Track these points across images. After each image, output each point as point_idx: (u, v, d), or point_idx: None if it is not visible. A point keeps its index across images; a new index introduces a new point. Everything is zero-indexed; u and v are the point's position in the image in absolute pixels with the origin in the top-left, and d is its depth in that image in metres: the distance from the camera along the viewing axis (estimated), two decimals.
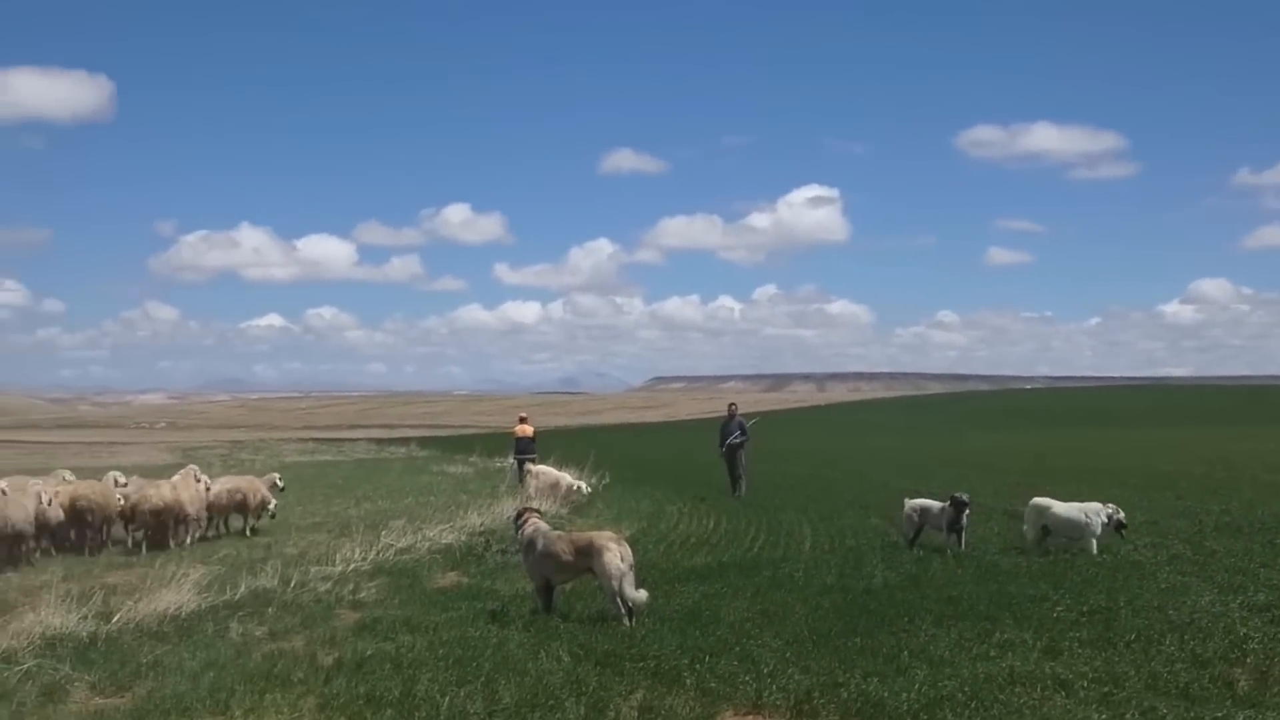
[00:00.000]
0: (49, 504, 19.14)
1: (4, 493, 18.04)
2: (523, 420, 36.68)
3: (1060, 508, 17.71)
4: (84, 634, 11.84)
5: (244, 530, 23.36)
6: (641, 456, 56.35)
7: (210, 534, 22.96)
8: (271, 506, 23.82)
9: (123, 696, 10.07)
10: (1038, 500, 18.32)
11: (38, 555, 18.84)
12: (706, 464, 36.60)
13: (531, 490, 27.63)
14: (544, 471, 29.41)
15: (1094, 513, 17.26)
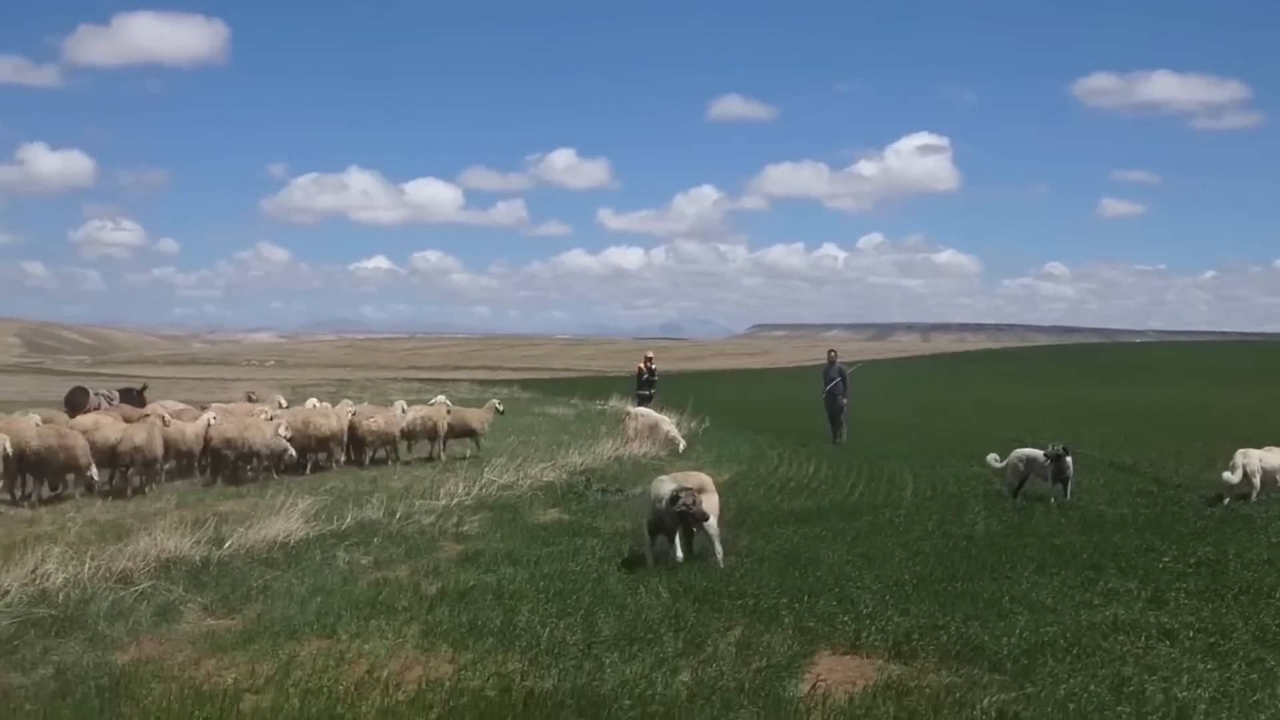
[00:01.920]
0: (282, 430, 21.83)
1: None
2: (648, 359, 36.79)
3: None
4: (197, 558, 12.18)
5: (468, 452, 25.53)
6: (742, 402, 56.22)
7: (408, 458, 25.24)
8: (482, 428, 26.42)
9: (233, 618, 10.36)
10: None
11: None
12: (808, 411, 36.42)
13: (631, 432, 27.64)
14: (644, 413, 29.42)
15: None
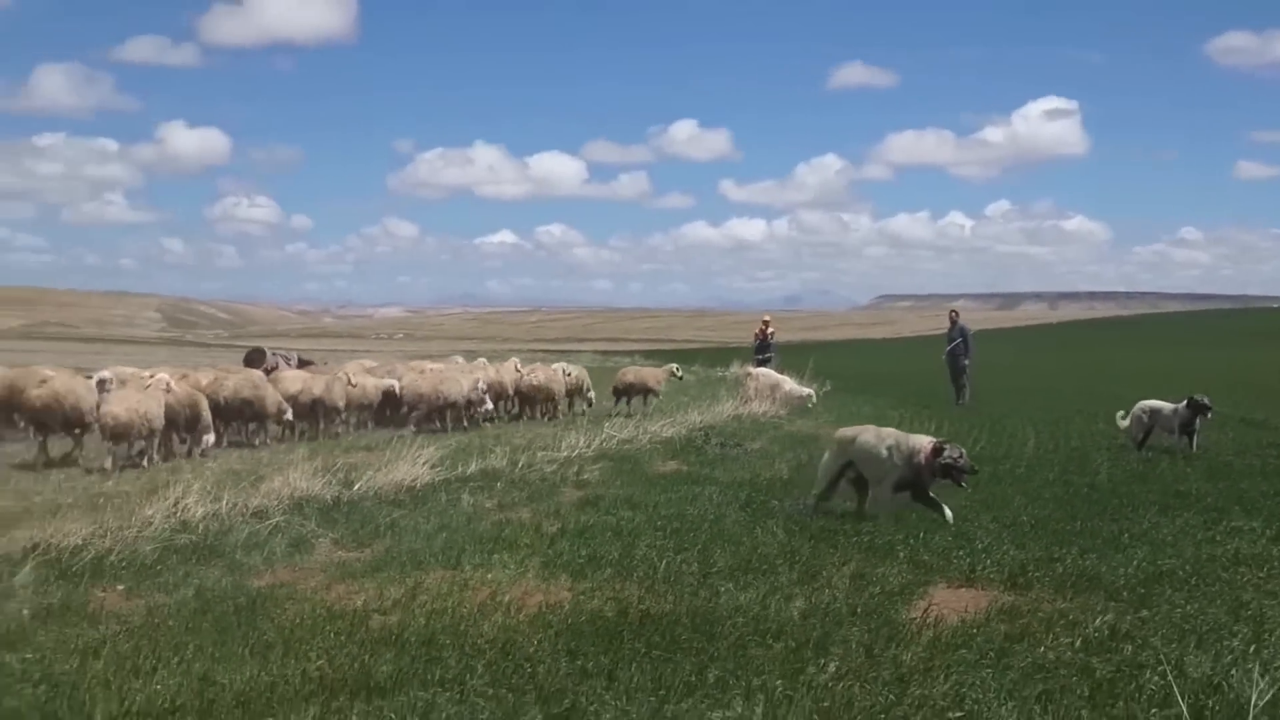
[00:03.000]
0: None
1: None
2: (765, 323, 36.80)
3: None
4: (328, 497, 12.64)
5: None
6: (864, 368, 55.87)
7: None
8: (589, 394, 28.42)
9: (362, 551, 10.74)
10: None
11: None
12: (932, 376, 36.12)
13: (751, 391, 27.75)
14: (764, 373, 29.50)
15: None
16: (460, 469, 15.01)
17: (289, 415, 20.89)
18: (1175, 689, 5.83)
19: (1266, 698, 5.78)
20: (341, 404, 22.11)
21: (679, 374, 30.16)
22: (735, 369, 43.05)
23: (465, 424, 23.71)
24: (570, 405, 27.88)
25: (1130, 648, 7.15)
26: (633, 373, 28.98)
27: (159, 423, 17.06)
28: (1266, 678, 6.06)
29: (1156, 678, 6.33)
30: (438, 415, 23.51)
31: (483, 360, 30.31)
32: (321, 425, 21.85)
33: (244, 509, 11.70)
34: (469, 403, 23.73)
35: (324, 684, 6.63)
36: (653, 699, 6.31)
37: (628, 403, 27.89)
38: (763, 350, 35.17)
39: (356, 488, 13.17)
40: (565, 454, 16.94)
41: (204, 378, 20.95)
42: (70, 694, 6.46)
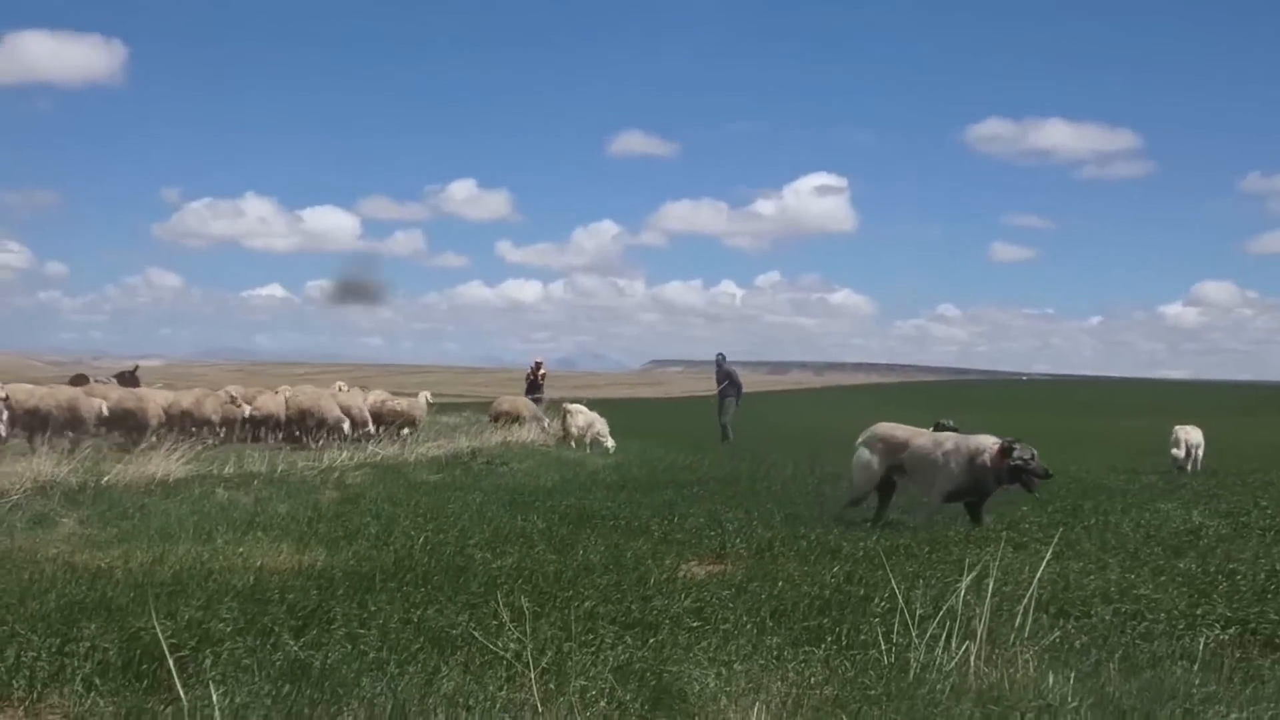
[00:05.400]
0: None
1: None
2: (538, 364, 36.92)
3: None
4: (74, 481, 12.20)
5: None
6: (636, 422, 56.58)
7: None
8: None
9: (108, 529, 10.42)
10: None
11: None
12: (699, 427, 36.97)
13: (572, 427, 27.48)
14: (584, 410, 29.30)
15: None
16: (215, 468, 14.69)
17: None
18: (901, 597, 6.19)
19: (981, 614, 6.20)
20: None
21: (431, 400, 30.26)
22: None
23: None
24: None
25: (863, 590, 7.56)
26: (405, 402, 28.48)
27: None
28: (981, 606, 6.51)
29: (884, 602, 6.72)
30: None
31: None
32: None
33: None
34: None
35: (63, 611, 6.46)
36: (401, 610, 6.38)
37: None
38: (534, 390, 35.35)
39: (105, 479, 12.76)
40: (327, 463, 16.74)
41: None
42: None
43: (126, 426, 21.14)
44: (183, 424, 22.34)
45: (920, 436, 12.07)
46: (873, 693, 5.22)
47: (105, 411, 20.73)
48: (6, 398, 20.04)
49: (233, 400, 23.78)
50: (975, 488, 11.35)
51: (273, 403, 24.99)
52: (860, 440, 12.49)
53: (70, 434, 19.74)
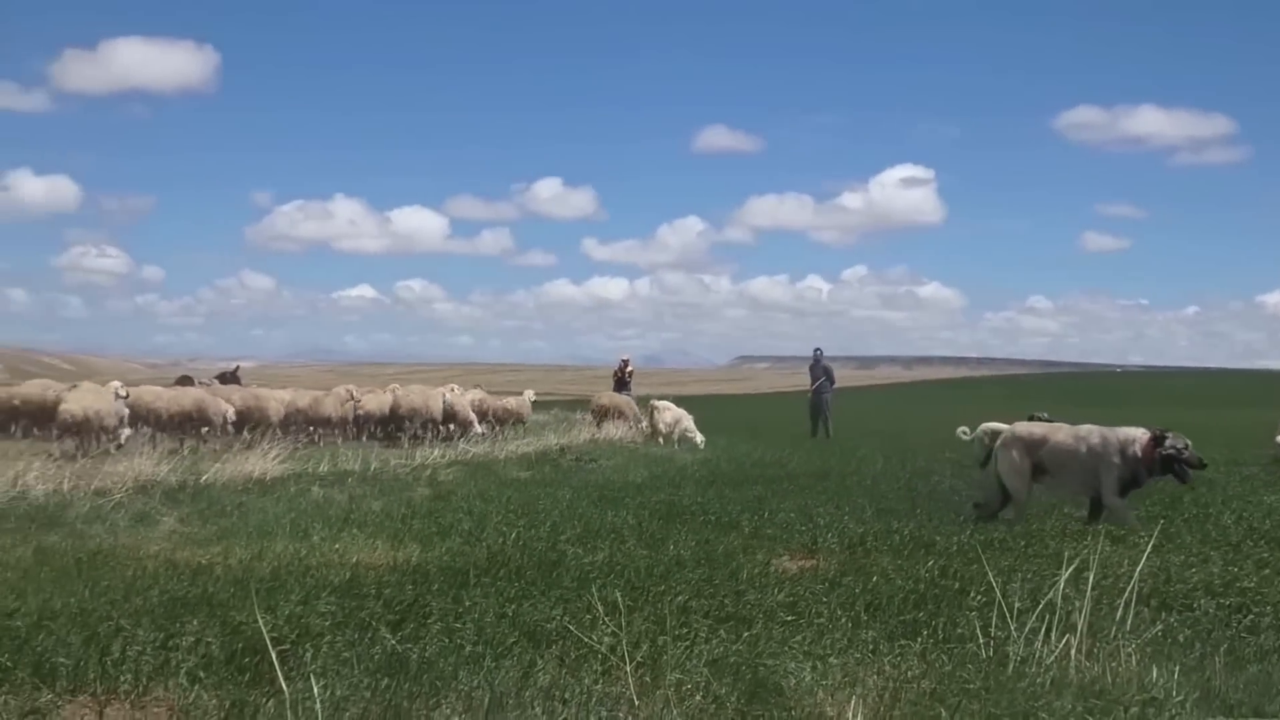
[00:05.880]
0: None
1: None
2: (624, 362, 37.03)
3: None
4: (173, 480, 12.48)
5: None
6: (724, 418, 56.55)
7: None
8: None
9: (207, 526, 10.63)
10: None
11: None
12: (790, 423, 36.87)
13: (659, 424, 27.52)
14: (671, 406, 29.36)
15: None
16: (310, 467, 14.91)
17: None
18: (999, 591, 6.12)
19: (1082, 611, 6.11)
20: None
21: (534, 398, 30.71)
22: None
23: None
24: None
25: (958, 583, 7.48)
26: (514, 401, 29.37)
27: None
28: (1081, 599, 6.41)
29: (980, 596, 6.65)
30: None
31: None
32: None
33: (86, 488, 11.50)
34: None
35: (166, 606, 6.60)
36: (496, 605, 6.42)
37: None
38: (621, 387, 35.41)
39: (204, 478, 13.02)
40: (419, 460, 16.93)
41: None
42: None
43: (249, 426, 21.75)
44: (301, 422, 23.69)
45: (1059, 432, 11.47)
46: (971, 686, 5.15)
47: (233, 415, 21.46)
48: (127, 395, 20.59)
49: (352, 398, 24.67)
50: (1140, 479, 10.85)
51: (379, 402, 25.55)
52: (998, 445, 11.84)
53: (197, 434, 20.67)
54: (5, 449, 16.31)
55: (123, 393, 20.61)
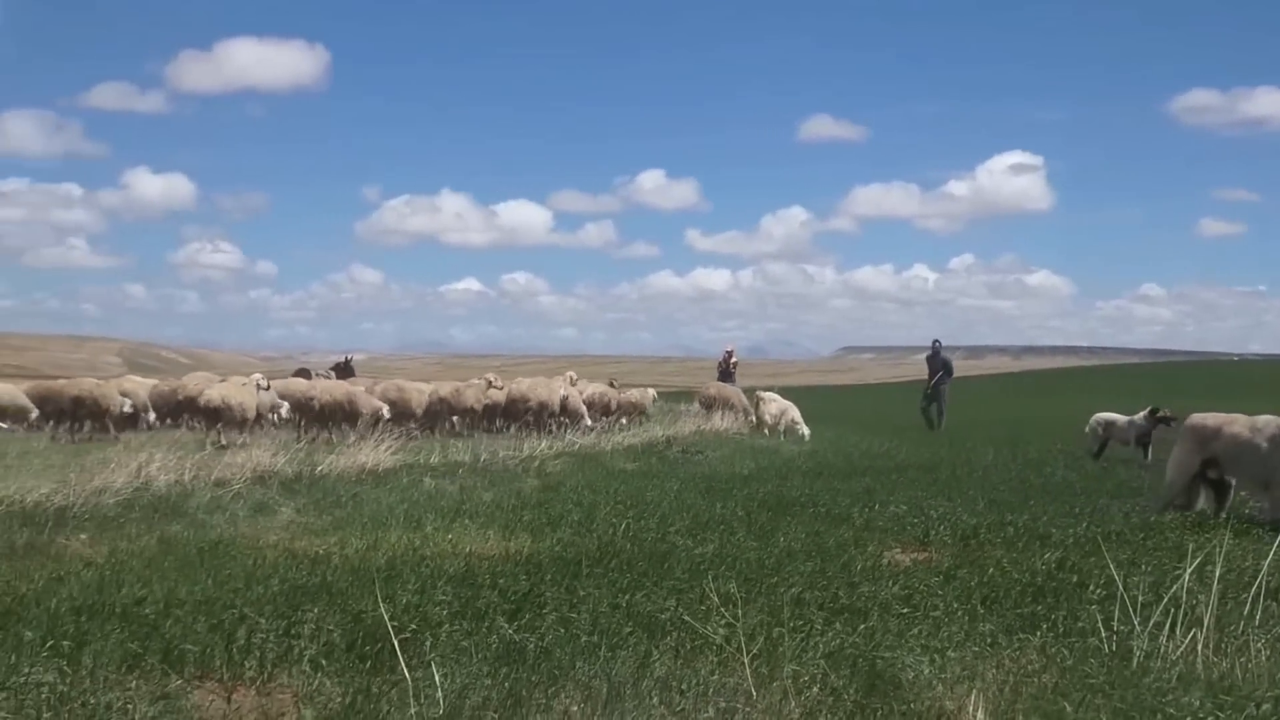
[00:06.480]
0: None
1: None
2: (729, 353, 37.06)
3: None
4: (290, 471, 12.69)
5: None
6: (830, 409, 56.21)
7: None
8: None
9: (323, 517, 10.82)
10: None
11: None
12: (898, 414, 36.51)
13: (765, 415, 27.49)
14: (776, 397, 29.34)
15: None
16: (422, 458, 15.10)
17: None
18: (1120, 584, 6.01)
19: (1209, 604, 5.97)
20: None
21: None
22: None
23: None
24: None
25: (1076, 576, 7.36)
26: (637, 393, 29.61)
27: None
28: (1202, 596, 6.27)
29: (1100, 590, 6.53)
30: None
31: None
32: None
33: (206, 479, 11.76)
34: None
35: (286, 595, 6.73)
36: (609, 595, 6.46)
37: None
38: (725, 378, 35.37)
39: (319, 468, 13.24)
40: (527, 452, 17.04)
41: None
42: (36, 599, 6.54)
43: (393, 416, 22.27)
44: (446, 412, 24.28)
45: (1233, 424, 10.75)
46: (1094, 681, 5.06)
47: (386, 410, 21.84)
48: (269, 386, 21.62)
49: (491, 386, 24.97)
50: None
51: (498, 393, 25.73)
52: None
53: (346, 426, 21.19)
54: (156, 439, 16.70)
55: (264, 384, 21.51)
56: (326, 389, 22.68)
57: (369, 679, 5.20)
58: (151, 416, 23.78)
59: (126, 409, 21.97)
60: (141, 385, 25.20)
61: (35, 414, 22.19)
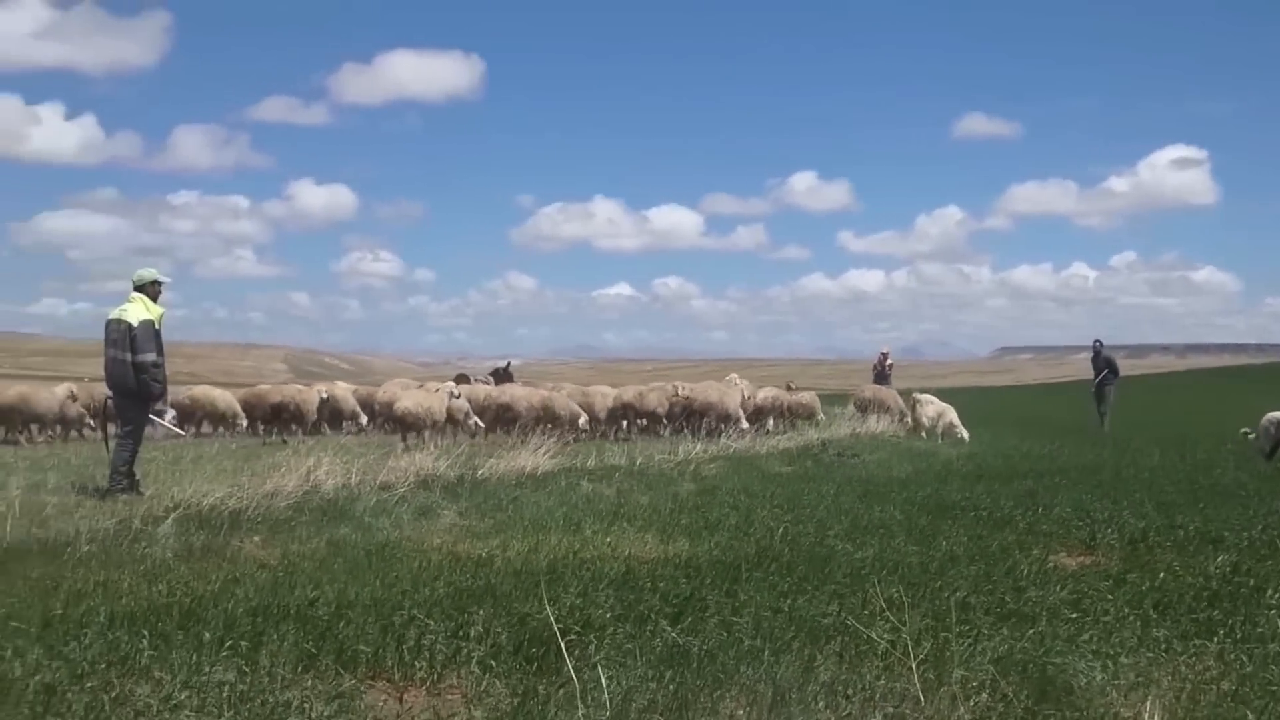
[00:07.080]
0: None
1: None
2: (884, 355, 36.71)
3: None
4: (452, 476, 12.95)
5: None
6: (988, 410, 55.21)
7: None
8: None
9: (485, 520, 11.01)
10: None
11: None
12: (1060, 416, 35.74)
13: (923, 418, 27.23)
14: (934, 400, 29.04)
15: None
16: (579, 462, 15.27)
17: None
18: None
19: None
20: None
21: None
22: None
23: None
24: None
25: (1253, 580, 7.13)
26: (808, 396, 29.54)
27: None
28: None
29: (1278, 594, 6.32)
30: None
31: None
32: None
33: (371, 483, 12.07)
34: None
35: (452, 597, 6.87)
36: (770, 599, 6.45)
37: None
38: (880, 380, 35.03)
39: (480, 472, 13.49)
40: (683, 455, 17.11)
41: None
42: (214, 599, 6.78)
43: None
44: (631, 416, 25.45)
45: None
46: (1276, 688, 4.91)
47: (584, 419, 23.12)
48: (460, 395, 22.84)
49: (676, 393, 25.52)
50: None
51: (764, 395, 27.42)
52: None
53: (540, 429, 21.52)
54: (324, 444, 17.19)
55: (456, 393, 22.85)
56: (526, 396, 23.85)
57: (536, 681, 5.28)
58: (364, 419, 25.84)
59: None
60: (348, 391, 27.32)
61: (245, 422, 24.18)
